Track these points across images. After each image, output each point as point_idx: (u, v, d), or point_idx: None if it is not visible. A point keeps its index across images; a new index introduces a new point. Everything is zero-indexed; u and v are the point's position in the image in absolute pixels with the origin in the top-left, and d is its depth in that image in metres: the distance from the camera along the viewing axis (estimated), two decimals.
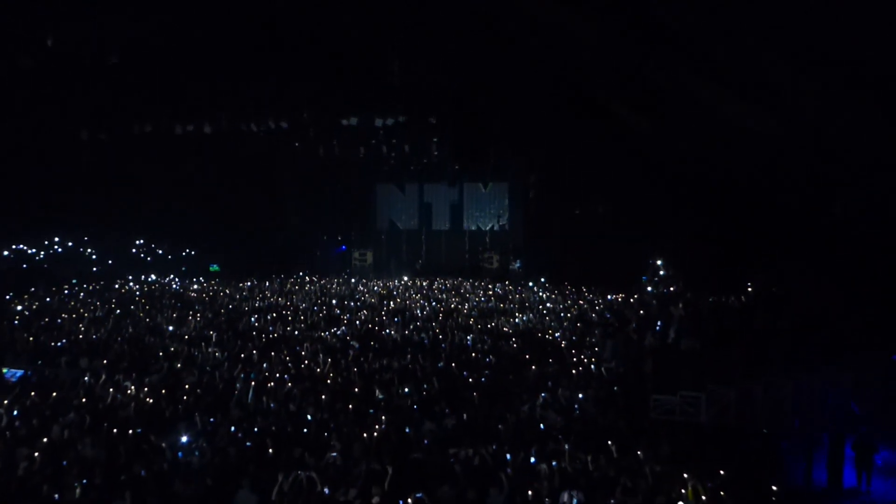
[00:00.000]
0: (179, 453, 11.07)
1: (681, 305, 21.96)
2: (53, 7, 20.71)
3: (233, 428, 12.36)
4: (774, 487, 10.80)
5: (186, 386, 15.38)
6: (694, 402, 14.49)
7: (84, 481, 9.81)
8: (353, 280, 35.29)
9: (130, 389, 15.04)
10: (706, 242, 24.31)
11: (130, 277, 32.13)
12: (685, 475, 10.44)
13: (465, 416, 13.61)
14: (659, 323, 20.67)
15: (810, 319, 17.91)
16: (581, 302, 28.71)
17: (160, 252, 36.13)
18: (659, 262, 29.76)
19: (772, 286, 21.21)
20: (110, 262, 33.35)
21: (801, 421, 14.46)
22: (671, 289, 25.56)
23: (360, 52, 25.16)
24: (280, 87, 28.05)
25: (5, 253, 30.70)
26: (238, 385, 15.35)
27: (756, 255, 22.09)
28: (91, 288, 29.32)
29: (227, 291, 30.74)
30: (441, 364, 18.01)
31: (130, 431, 12.10)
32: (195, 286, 31.82)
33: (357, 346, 20.04)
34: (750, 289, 22.10)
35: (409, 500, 9.16)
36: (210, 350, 19.09)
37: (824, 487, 13.12)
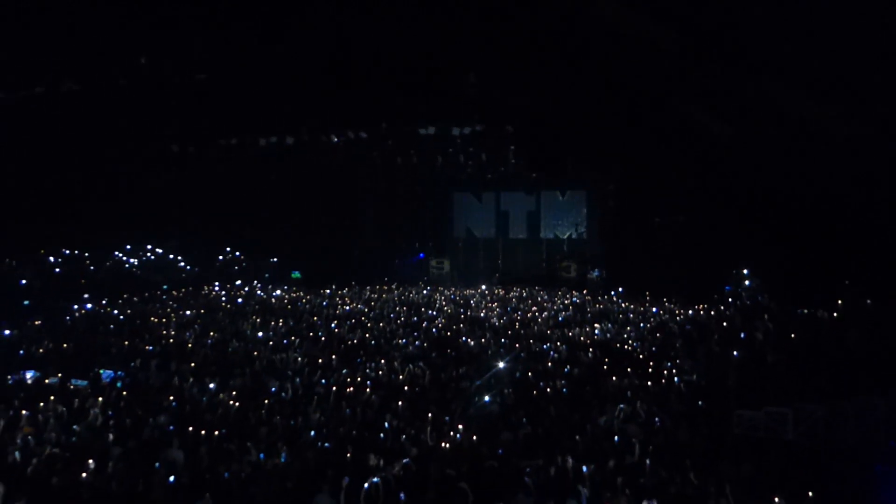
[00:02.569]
0: (261, 455, 11.37)
1: (767, 318, 21.21)
2: (139, 28, 21.76)
3: (312, 433, 12.63)
4: None
5: (269, 391, 15.83)
6: (780, 419, 13.94)
7: (171, 481, 10.19)
8: (430, 288, 35.52)
9: (216, 393, 15.59)
10: (795, 252, 23.45)
11: (217, 284, 33.25)
12: (769, 495, 10.07)
13: (541, 426, 13.52)
14: (743, 335, 20.01)
15: None
16: (661, 312, 28.07)
17: (245, 260, 37.28)
18: (744, 272, 28.83)
19: (865, 299, 20.23)
20: (198, 269, 34.62)
21: (877, 443, 13.71)
22: (757, 299, 24.70)
23: (438, 63, 25.51)
24: (359, 98, 28.69)
25: (105, 262, 32.32)
26: (318, 390, 15.71)
27: (848, 267, 21.16)
28: (180, 294, 30.48)
29: (308, 298, 31.43)
30: (518, 374, 17.98)
31: (216, 433, 12.50)
32: (277, 292, 32.67)
33: (434, 354, 20.20)
34: (841, 302, 21.13)
35: None
36: (291, 355, 19.59)
37: None
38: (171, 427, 12.86)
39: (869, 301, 20.23)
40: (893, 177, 19.54)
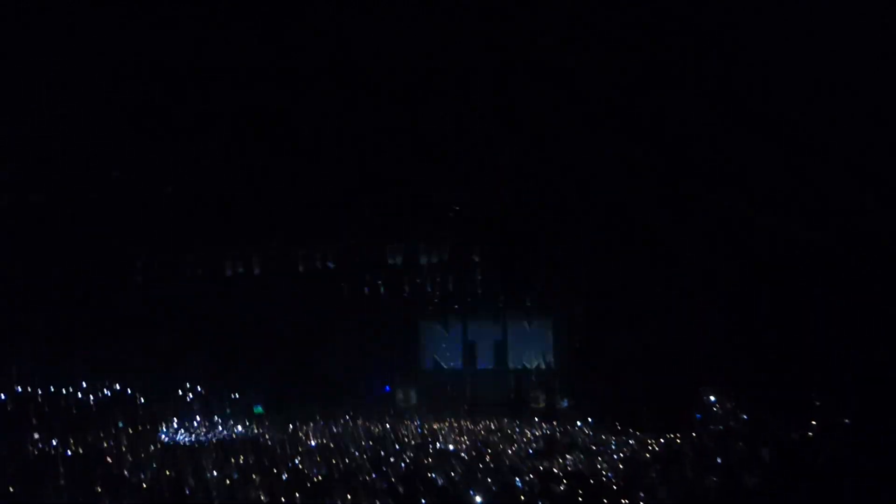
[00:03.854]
0: None
1: (740, 443, 21.07)
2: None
3: None
4: None
5: None
6: None
7: None
8: (397, 421, 34.72)
9: None
10: (763, 374, 23.68)
11: (175, 420, 32.13)
12: None
13: None
14: (718, 460, 19.79)
15: (885, 452, 17.00)
16: (632, 442, 27.67)
17: (205, 396, 36.24)
18: (712, 398, 28.82)
19: (839, 417, 20.34)
20: (156, 406, 33.51)
21: None
22: (729, 424, 24.63)
23: (402, 192, 26.14)
24: (320, 227, 29.07)
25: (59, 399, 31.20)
26: None
27: (819, 385, 21.39)
28: (137, 432, 29.37)
29: (270, 434, 30.46)
30: None
31: None
32: (239, 428, 31.62)
33: (402, 488, 19.49)
34: (815, 422, 21.20)
35: None
36: (252, 494, 18.75)
37: None
38: None
39: (844, 420, 20.32)
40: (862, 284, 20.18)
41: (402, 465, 23.56)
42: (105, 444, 26.29)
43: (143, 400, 33.50)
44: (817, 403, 21.85)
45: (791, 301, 23.77)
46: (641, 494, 18.60)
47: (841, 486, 16.13)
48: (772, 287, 24.69)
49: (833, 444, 19.34)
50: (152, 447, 25.81)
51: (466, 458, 24.88)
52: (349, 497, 18.24)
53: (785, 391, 23.26)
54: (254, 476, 21.11)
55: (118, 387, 33.47)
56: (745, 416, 25.89)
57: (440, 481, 20.79)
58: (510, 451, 26.08)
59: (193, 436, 29.27)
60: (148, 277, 35.52)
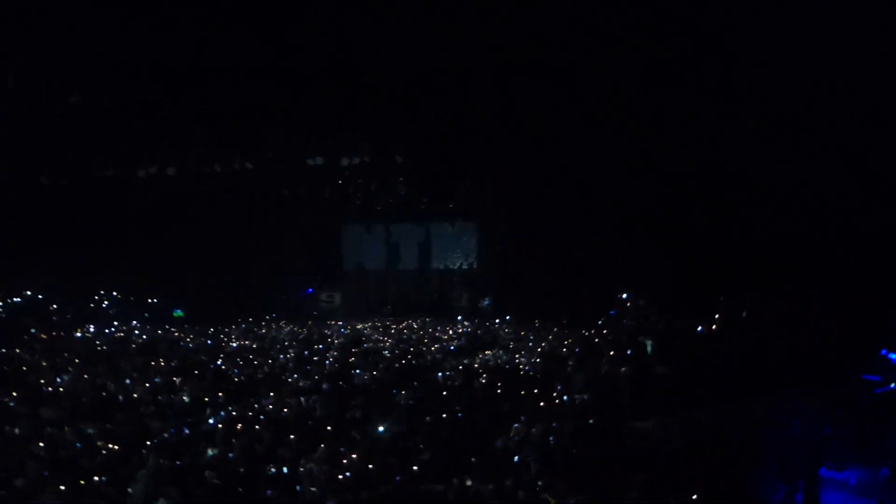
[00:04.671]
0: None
1: (651, 336, 22.09)
2: None
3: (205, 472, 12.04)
4: None
5: (151, 433, 14.99)
6: (669, 428, 14.49)
7: None
8: (320, 322, 34.92)
9: (93, 438, 14.61)
10: (676, 270, 24.68)
11: (92, 327, 31.39)
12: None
13: (438, 452, 13.45)
14: (629, 352, 20.76)
15: (782, 344, 18.14)
16: (550, 337, 28.68)
17: (122, 300, 35.34)
18: (625, 296, 29.95)
19: (741, 311, 21.50)
20: (71, 310, 32.55)
21: (775, 444, 14.50)
22: (642, 319, 25.70)
23: (327, 89, 25.31)
24: (244, 126, 28.04)
25: None
26: (205, 429, 15.04)
27: (725, 281, 22.46)
28: (52, 337, 28.58)
29: (192, 337, 30.17)
30: (412, 402, 17.90)
31: (94, 478, 11.69)
32: (159, 332, 31.17)
33: (326, 387, 19.77)
34: (717, 316, 22.36)
35: None
36: (176, 396, 18.71)
37: None
38: (45, 474, 11.88)
39: (744, 314, 21.47)
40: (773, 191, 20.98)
41: (326, 364, 23.86)
42: (17, 351, 25.53)
43: (55, 306, 32.49)
44: (722, 301, 23.01)
45: (701, 208, 24.61)
46: (559, 386, 19.50)
47: (739, 376, 17.29)
48: (684, 195, 25.43)
49: (733, 339, 20.55)
50: (66, 354, 25.17)
51: (390, 356, 25.38)
52: (272, 396, 18.44)
53: (693, 291, 24.37)
54: (175, 379, 21.01)
55: (28, 293, 32.23)
56: (656, 313, 27.06)
57: (364, 379, 21.21)
58: (433, 349, 26.68)
59: (112, 341, 28.68)
60: (60, 178, 33.81)
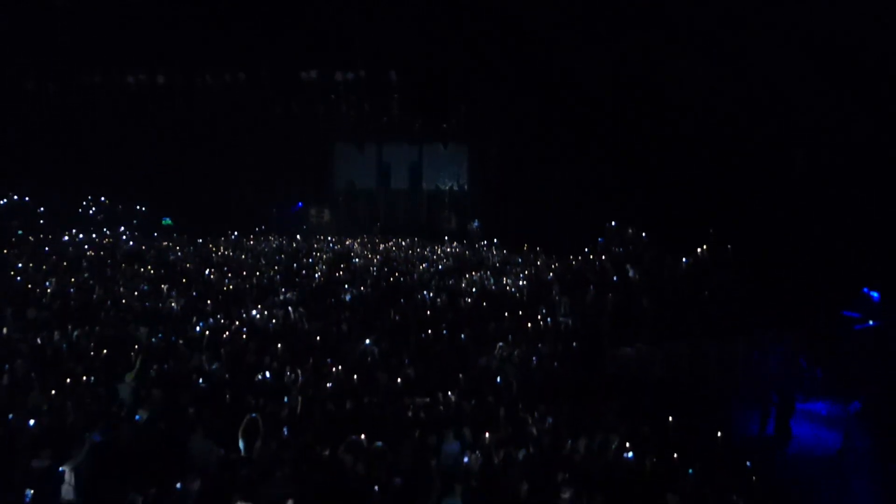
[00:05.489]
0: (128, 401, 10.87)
1: (639, 265, 22.27)
2: None
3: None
4: (720, 433, 11.05)
5: (138, 337, 15.09)
6: (650, 356, 14.75)
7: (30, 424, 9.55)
8: (309, 238, 34.85)
9: (80, 340, 14.71)
10: (666, 203, 24.67)
11: (79, 233, 31.20)
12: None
13: (422, 368, 13.64)
14: (616, 279, 20.94)
15: (762, 278, 18.32)
16: (538, 262, 28.83)
17: (110, 207, 35.06)
18: (613, 224, 30.00)
19: (725, 245, 21.64)
20: (57, 215, 32.28)
21: (752, 376, 14.84)
22: (629, 249, 25.84)
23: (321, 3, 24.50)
24: (237, 38, 27.21)
25: None
26: (191, 336, 15.17)
27: (710, 216, 22.51)
28: (38, 240, 28.40)
29: (180, 246, 30.08)
30: (398, 318, 18.09)
31: (83, 378, 11.81)
32: (148, 241, 31.04)
33: (313, 302, 19.90)
34: (702, 249, 22.50)
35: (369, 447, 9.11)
36: (163, 303, 18.79)
37: (773, 438, 13.52)
38: (32, 375, 11.99)
39: (728, 247, 21.61)
40: (759, 131, 20.80)
41: (314, 278, 23.95)
42: (4, 252, 25.41)
43: (42, 209, 32.16)
44: (710, 231, 23.09)
45: (695, 142, 24.41)
46: (543, 309, 19.70)
47: (721, 310, 17.51)
48: (678, 129, 25.17)
49: (718, 273, 20.74)
50: (54, 257, 25.10)
51: (377, 273, 25.48)
52: (259, 306, 18.54)
53: (681, 224, 24.41)
54: (163, 286, 21.05)
55: (15, 196, 31.84)
56: (643, 243, 27.17)
57: (349, 296, 21.35)
58: (420, 268, 26.78)
59: (99, 246, 28.53)
60: (48, 83, 32.98)
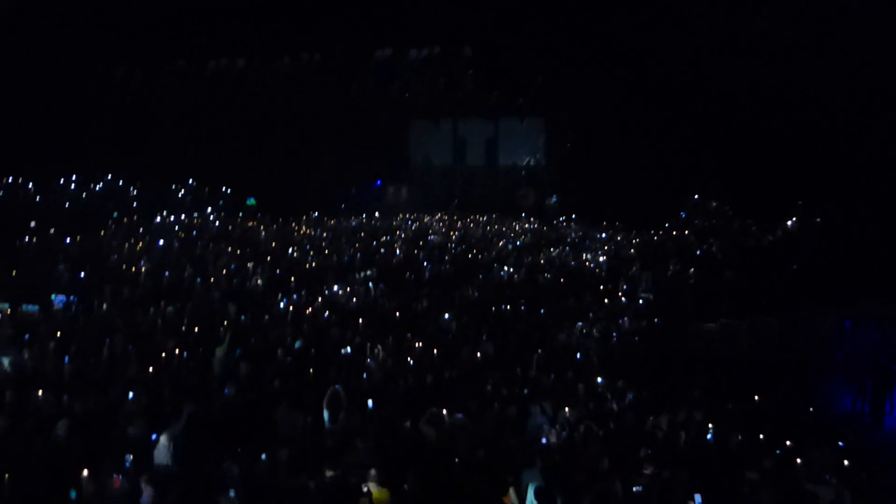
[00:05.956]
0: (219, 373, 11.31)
1: (720, 239, 21.67)
2: None
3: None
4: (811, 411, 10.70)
5: (227, 313, 15.63)
6: (735, 331, 14.36)
7: (130, 398, 10.05)
8: (387, 216, 35.24)
9: (173, 316, 15.36)
10: (750, 176, 23.86)
11: (170, 215, 32.41)
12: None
13: (501, 344, 13.67)
14: (699, 253, 20.44)
15: (853, 250, 17.53)
16: (618, 237, 28.40)
17: (198, 188, 36.33)
18: (695, 197, 29.23)
19: (815, 218, 20.79)
20: (149, 199, 33.65)
21: (845, 354, 14.25)
22: (712, 222, 25.17)
23: None
24: (311, 19, 27.56)
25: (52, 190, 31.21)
26: (276, 312, 15.61)
27: (800, 188, 21.63)
28: (131, 222, 29.66)
29: (264, 226, 30.90)
30: (478, 294, 18.15)
31: (176, 352, 12.33)
32: (232, 220, 32.00)
33: (393, 278, 20.17)
34: (793, 221, 21.68)
35: (449, 418, 9.22)
36: (249, 280, 19.38)
37: (867, 417, 12.99)
38: (130, 347, 12.60)
39: (818, 220, 20.78)
40: (845, 103, 19.85)
41: (394, 255, 24.25)
42: (102, 234, 26.68)
43: (135, 191, 33.60)
44: (799, 203, 22.22)
45: (777, 112, 23.46)
46: (624, 285, 19.42)
47: (810, 284, 16.84)
48: (762, 104, 24.19)
49: (806, 247, 19.94)
50: (147, 238, 26.18)
51: (455, 250, 25.60)
52: (341, 284, 18.91)
53: (766, 197, 23.57)
54: (248, 265, 21.71)
55: (110, 177, 33.41)
56: (726, 216, 26.39)
57: (428, 273, 21.53)
58: (499, 245, 26.76)
59: (188, 227, 29.62)
60: (136, 75, 34.38)
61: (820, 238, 20.33)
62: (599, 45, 29.47)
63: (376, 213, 35.23)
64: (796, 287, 16.80)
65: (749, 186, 24.71)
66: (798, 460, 8.73)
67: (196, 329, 14.27)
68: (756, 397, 10.96)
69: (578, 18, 27.40)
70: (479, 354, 12.68)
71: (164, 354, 12.23)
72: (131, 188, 33.86)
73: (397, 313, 15.84)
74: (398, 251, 24.91)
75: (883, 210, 18.24)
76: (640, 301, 17.27)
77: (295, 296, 17.11)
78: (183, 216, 32.24)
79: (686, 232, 25.11)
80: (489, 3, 26.70)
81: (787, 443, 9.35)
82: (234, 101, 35.17)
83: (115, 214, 29.57)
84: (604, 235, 29.08)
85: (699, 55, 26.09)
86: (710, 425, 9.74)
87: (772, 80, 23.41)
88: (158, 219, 30.24)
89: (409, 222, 32.81)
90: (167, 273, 20.04)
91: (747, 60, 24.15)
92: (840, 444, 9.91)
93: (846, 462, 8.91)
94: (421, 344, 13.01)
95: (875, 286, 15.70)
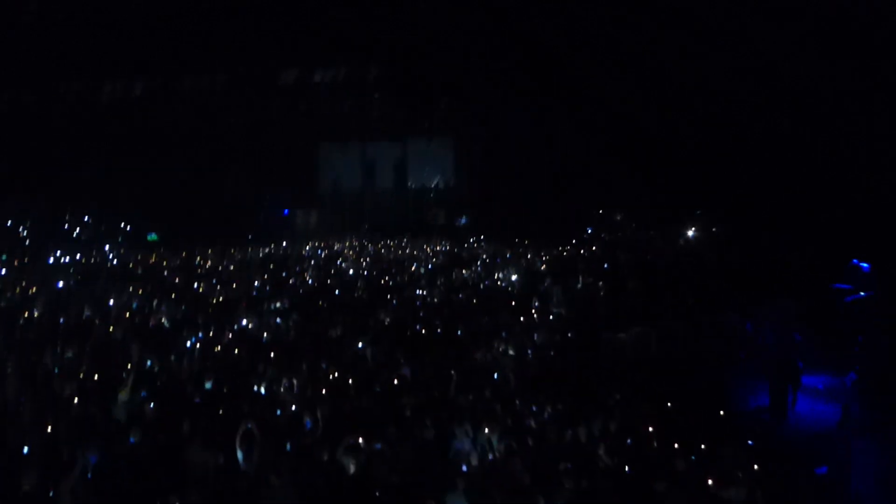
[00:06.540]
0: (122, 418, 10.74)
1: (626, 251, 22.27)
2: None
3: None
4: (721, 412, 11.04)
5: (129, 354, 14.92)
6: (644, 339, 14.73)
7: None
8: (297, 242, 34.72)
9: (72, 360, 14.53)
10: (653, 186, 24.70)
11: (62, 253, 30.85)
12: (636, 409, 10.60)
13: (417, 367, 13.54)
14: (606, 266, 20.94)
15: (755, 255, 18.36)
16: (528, 255, 28.80)
17: (94, 223, 34.80)
18: (600, 211, 30.07)
19: (713, 226, 21.70)
20: (40, 234, 31.97)
21: (747, 352, 14.84)
22: (618, 235, 25.92)
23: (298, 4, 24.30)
24: (214, 42, 26.94)
25: None
26: (183, 349, 15.00)
27: (699, 197, 22.54)
28: (21, 262, 28.10)
29: (167, 261, 29.86)
30: (389, 319, 17.98)
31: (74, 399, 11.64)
32: (135, 257, 30.80)
33: (304, 307, 19.76)
34: (690, 229, 22.58)
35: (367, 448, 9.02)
36: (152, 318, 18.60)
37: (768, 411, 13.52)
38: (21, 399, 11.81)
39: (714, 229, 21.69)
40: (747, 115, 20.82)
41: (306, 283, 23.81)
42: None
43: (25, 231, 31.85)
44: (697, 212, 23.17)
45: (678, 123, 24.45)
46: (536, 301, 19.66)
47: (713, 287, 17.52)
48: (659, 110, 25.16)
49: (707, 251, 20.81)
50: (40, 278, 24.82)
51: (368, 276, 25.36)
52: (250, 316, 18.37)
53: (667, 205, 24.43)
54: (153, 301, 20.83)
55: None
56: (631, 228, 27.22)
57: (342, 298, 21.21)
58: (412, 269, 26.68)
59: (85, 266, 28.29)
60: (26, 96, 32.59)
61: (719, 245, 21.19)
62: (505, 64, 29.98)
63: (284, 243, 34.62)
64: (699, 293, 17.43)
65: (650, 197, 25.57)
66: (711, 462, 8.95)
67: (96, 372, 13.54)
68: (668, 403, 11.22)
69: (484, 39, 27.81)
70: (395, 380, 12.49)
71: (61, 401, 11.53)
72: (20, 228, 32.09)
73: (310, 343, 15.49)
74: (309, 279, 24.48)
75: (774, 217, 19.19)
76: (552, 316, 17.50)
77: (201, 334, 16.46)
78: (79, 255, 30.83)
79: (594, 247, 25.74)
80: (395, 24, 26.78)
81: (702, 446, 9.57)
82: (131, 128, 33.88)
83: (4, 257, 28.05)
84: (513, 253, 29.44)
85: (600, 70, 26.89)
86: (627, 434, 9.89)
87: (672, 91, 24.32)
88: (51, 259, 28.83)
89: (320, 250, 32.38)
90: (63, 316, 19.04)
91: (646, 72, 25.04)
92: (749, 442, 10.23)
93: (756, 459, 9.19)
94: (336, 373, 12.74)
95: (771, 287, 16.49)
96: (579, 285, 19.85)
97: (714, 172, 22.20)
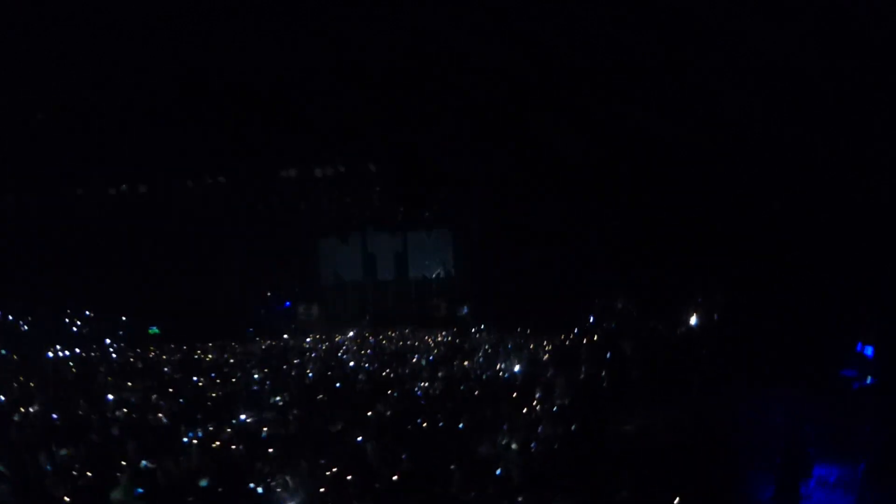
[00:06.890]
0: None
1: (629, 339, 22.11)
2: None
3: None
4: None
5: (126, 454, 14.66)
6: (651, 428, 14.48)
7: None
8: (298, 336, 34.64)
9: (68, 462, 14.26)
10: (651, 274, 24.74)
11: (64, 350, 30.76)
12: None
13: (420, 460, 13.28)
14: (609, 355, 20.75)
15: (758, 341, 18.19)
16: (531, 345, 28.64)
17: (94, 319, 34.81)
18: (600, 300, 30.02)
19: (717, 310, 21.60)
20: (39, 332, 31.94)
21: (755, 438, 14.52)
22: (620, 323, 25.79)
23: (294, 101, 24.99)
24: (212, 142, 27.60)
25: None
26: (181, 446, 14.76)
27: (701, 279, 22.55)
28: (22, 359, 27.99)
29: (167, 356, 29.74)
30: (392, 412, 17.74)
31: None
32: (136, 351, 30.69)
33: (304, 402, 19.55)
34: (693, 315, 22.46)
35: None
36: (150, 415, 18.37)
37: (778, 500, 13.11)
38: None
39: (715, 315, 21.55)
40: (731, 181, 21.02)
41: (305, 379, 23.60)
42: None
43: (25, 326, 31.85)
44: (699, 301, 23.10)
45: (676, 205, 24.66)
46: (539, 393, 19.41)
47: (717, 374, 17.31)
48: (658, 195, 25.46)
49: (710, 338, 20.63)
50: (38, 376, 24.66)
51: (369, 367, 25.18)
52: (250, 412, 18.18)
53: (669, 291, 24.42)
54: (153, 398, 20.64)
55: None
56: (633, 315, 27.09)
57: (344, 391, 20.98)
58: (413, 360, 26.51)
59: (84, 361, 28.15)
60: (27, 196, 33.14)
61: (721, 330, 21.04)
62: (502, 156, 30.50)
63: (285, 336, 34.56)
64: (704, 378, 17.21)
65: (652, 284, 25.57)
66: None
67: (90, 473, 13.28)
68: (676, 499, 10.91)
69: (480, 130, 28.41)
70: (396, 477, 12.22)
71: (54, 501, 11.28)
72: (20, 322, 32.12)
73: (310, 439, 15.24)
74: (310, 373, 24.30)
75: (777, 298, 19.13)
76: (555, 408, 17.22)
77: (200, 432, 16.24)
78: (78, 349, 30.72)
79: (595, 336, 25.58)
80: (390, 120, 27.46)
81: None
82: (134, 226, 34.34)
83: (3, 352, 27.96)
84: (514, 344, 29.28)
85: (600, 162, 27.23)
86: None
87: (671, 184, 24.54)
88: (51, 354, 28.73)
89: (321, 342, 32.27)
90: (57, 413, 18.81)
91: (641, 158, 25.36)
92: None
93: None
94: (336, 469, 12.49)
95: (778, 374, 16.26)
96: (582, 375, 19.65)
97: (716, 257, 22.30)
